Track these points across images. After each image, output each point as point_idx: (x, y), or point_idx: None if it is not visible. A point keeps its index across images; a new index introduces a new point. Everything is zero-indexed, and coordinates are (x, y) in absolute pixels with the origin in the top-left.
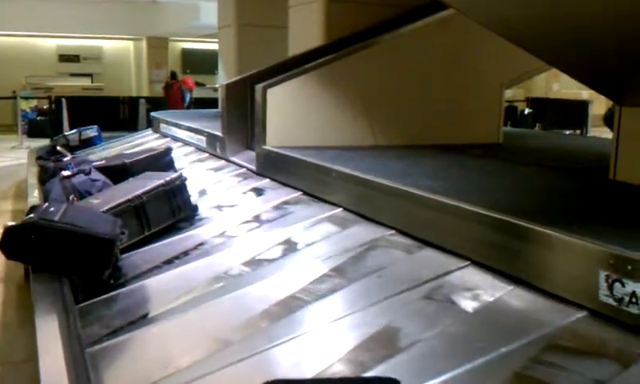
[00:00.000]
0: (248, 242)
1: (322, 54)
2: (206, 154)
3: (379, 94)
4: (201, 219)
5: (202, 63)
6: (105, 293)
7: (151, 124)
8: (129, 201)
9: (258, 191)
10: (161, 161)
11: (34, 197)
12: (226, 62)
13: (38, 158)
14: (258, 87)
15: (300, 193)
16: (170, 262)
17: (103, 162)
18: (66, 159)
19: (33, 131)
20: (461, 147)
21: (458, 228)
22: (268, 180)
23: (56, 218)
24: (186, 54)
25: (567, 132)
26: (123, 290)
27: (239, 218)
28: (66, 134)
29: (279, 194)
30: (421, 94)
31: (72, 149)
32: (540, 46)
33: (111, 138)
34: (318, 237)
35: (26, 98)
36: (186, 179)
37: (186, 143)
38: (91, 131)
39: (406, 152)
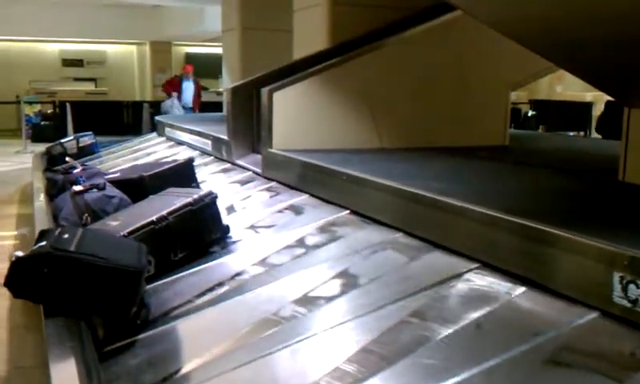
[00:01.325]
0: (295, 273)
1: (327, 58)
2: (211, 158)
3: (385, 97)
4: (234, 242)
5: (205, 67)
6: (131, 335)
7: (155, 128)
8: (153, 223)
9: (295, 209)
10: (182, 173)
11: (40, 201)
12: (230, 65)
13: (46, 170)
14: (264, 90)
15: (347, 212)
16: (203, 295)
17: (118, 174)
18: (76, 171)
19: (37, 136)
20: (467, 150)
21: (467, 230)
22: (306, 196)
23: (72, 247)
24: (190, 59)
25: (571, 134)
26: (152, 332)
27: (278, 242)
28: (62, 141)
29: (320, 213)
30: (426, 96)
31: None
32: (546, 47)
33: (115, 143)
34: (380, 266)
35: (30, 103)
36: (216, 197)
37: (191, 147)
38: (89, 138)
39: (413, 155)
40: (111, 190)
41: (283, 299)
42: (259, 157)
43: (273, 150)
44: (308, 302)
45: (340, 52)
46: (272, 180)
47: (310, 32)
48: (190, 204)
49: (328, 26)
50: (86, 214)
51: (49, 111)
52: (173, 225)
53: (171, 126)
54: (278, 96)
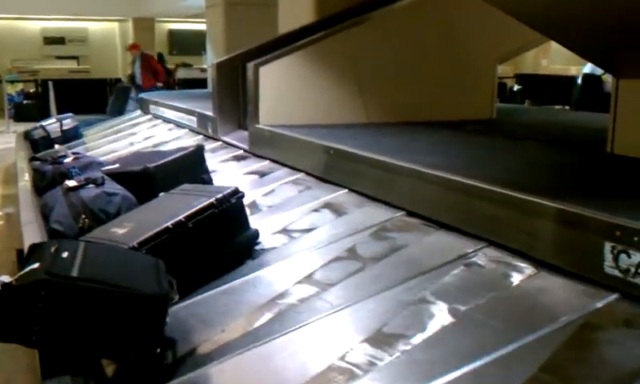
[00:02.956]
0: (358, 300)
1: (313, 31)
2: (199, 135)
3: (372, 71)
4: (264, 250)
5: (189, 44)
6: None
7: (140, 106)
8: (168, 230)
9: (331, 206)
10: (191, 163)
11: (25, 180)
12: (215, 41)
13: (32, 159)
14: (250, 65)
15: (403, 212)
16: (237, 323)
17: (117, 165)
18: (67, 161)
19: (19, 115)
20: (455, 123)
21: (458, 204)
22: (302, 174)
23: (75, 271)
24: (173, 35)
25: (556, 107)
26: (181, 380)
27: (323, 252)
28: (44, 124)
29: (369, 213)
30: (414, 70)
31: (52, 143)
32: (536, 17)
33: (99, 121)
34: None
35: (12, 82)
36: (243, 196)
37: (176, 124)
38: (71, 120)
39: (401, 129)
40: (111, 186)
41: (350, 336)
42: (245, 133)
43: (260, 126)
44: (381, 341)
45: (326, 25)
46: (260, 157)
47: (296, 6)
48: (212, 205)
49: None
50: (84, 216)
51: (31, 90)
52: (193, 231)
53: (156, 104)
54: (264, 70)
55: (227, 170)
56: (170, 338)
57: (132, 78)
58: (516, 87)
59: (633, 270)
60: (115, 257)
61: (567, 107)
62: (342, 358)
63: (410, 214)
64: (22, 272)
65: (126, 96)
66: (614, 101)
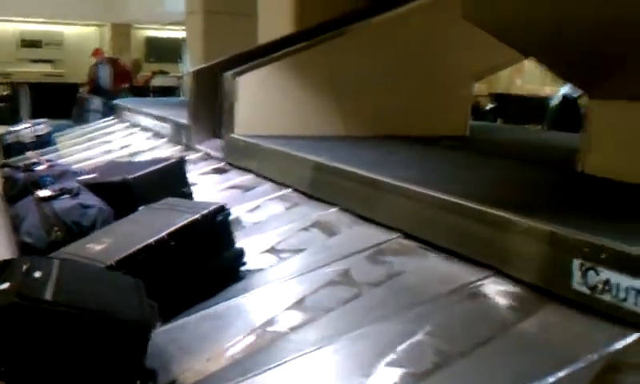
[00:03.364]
0: (353, 331)
1: (292, 43)
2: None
3: (349, 84)
4: (250, 271)
5: (166, 52)
6: None
7: (113, 112)
8: (149, 248)
9: (321, 225)
10: (172, 176)
11: None
12: (193, 49)
13: (2, 165)
14: (227, 74)
15: (398, 234)
16: (224, 354)
17: (94, 175)
18: (39, 168)
19: None
20: (429, 139)
21: (428, 215)
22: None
23: (47, 293)
24: (151, 42)
25: (529, 127)
26: None
27: (314, 276)
28: (16, 128)
29: (361, 234)
30: (391, 84)
31: (25, 148)
32: (515, 37)
33: (68, 127)
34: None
35: None
36: (229, 213)
37: (151, 131)
38: (45, 126)
39: (378, 143)
40: (87, 197)
41: (346, 372)
42: (219, 142)
43: (235, 136)
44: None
45: (305, 37)
46: (233, 166)
47: (275, 17)
48: (197, 223)
49: (293, 10)
50: (56, 228)
51: (4, 93)
52: (176, 250)
53: (129, 110)
54: (241, 80)
55: (207, 184)
56: (150, 369)
57: (93, 85)
58: (489, 106)
59: (600, 287)
60: (92, 277)
61: (540, 127)
62: None
63: (407, 236)
64: None
65: (83, 107)
66: (587, 120)
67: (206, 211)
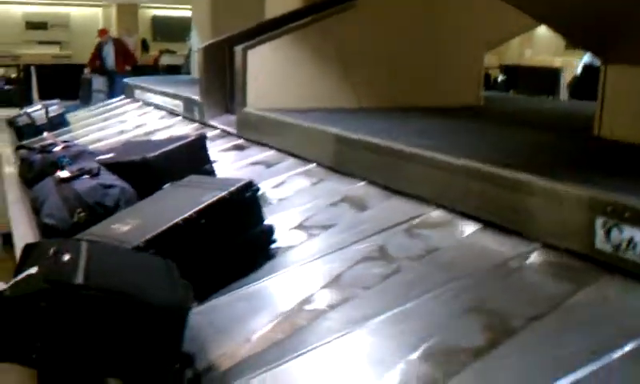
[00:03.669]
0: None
1: (301, 16)
2: (181, 118)
3: (360, 56)
4: (280, 248)
5: (173, 30)
6: None
7: (119, 92)
8: (178, 227)
9: (350, 200)
10: (193, 153)
11: (10, 168)
12: (201, 25)
13: (18, 147)
14: (238, 49)
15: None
16: (261, 333)
17: (112, 154)
18: (56, 149)
19: (1, 101)
20: (443, 110)
21: (454, 183)
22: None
23: (79, 278)
24: (157, 21)
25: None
26: None
27: (350, 252)
28: (28, 110)
29: (394, 208)
30: (402, 55)
31: (38, 130)
32: (526, 2)
33: (76, 108)
34: None
35: None
36: (258, 189)
37: (163, 109)
38: (58, 106)
39: (391, 114)
40: (107, 177)
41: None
42: (232, 117)
43: (247, 110)
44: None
45: (314, 11)
46: (245, 138)
47: None
48: (225, 200)
49: None
50: (79, 210)
51: (12, 75)
52: (205, 229)
53: (141, 89)
54: (252, 54)
55: (227, 161)
56: (188, 353)
57: (98, 65)
58: (500, 77)
59: (624, 245)
60: (123, 260)
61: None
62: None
63: (440, 206)
64: (18, 279)
65: (89, 88)
66: (602, 85)
67: (234, 188)
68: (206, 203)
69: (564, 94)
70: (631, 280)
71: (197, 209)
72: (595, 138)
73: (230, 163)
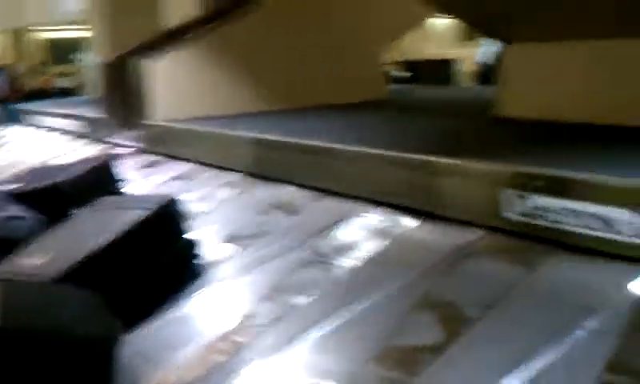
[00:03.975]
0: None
1: (200, 24)
2: (86, 140)
3: (264, 60)
4: (210, 263)
5: (69, 53)
6: None
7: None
8: (98, 254)
9: (280, 206)
10: (102, 176)
11: None
12: (99, 42)
13: None
14: (138, 62)
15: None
16: (194, 364)
17: (19, 184)
18: None
19: None
20: (351, 106)
21: (386, 176)
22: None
23: None
24: (54, 45)
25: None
26: None
27: (285, 260)
28: None
29: (326, 209)
30: (305, 56)
31: None
32: None
33: None
34: None
35: None
36: (180, 204)
37: (64, 131)
38: None
39: (304, 114)
40: (13, 208)
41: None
42: (142, 133)
43: (155, 123)
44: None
45: (213, 18)
46: (154, 153)
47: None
48: (148, 220)
49: None
50: None
51: None
52: (127, 253)
53: (36, 113)
54: (153, 66)
55: (144, 178)
56: None
57: None
58: (403, 73)
59: (531, 213)
60: (42, 295)
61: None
62: None
63: (374, 202)
64: None
65: None
66: (502, 66)
67: (156, 206)
68: (127, 226)
69: (465, 82)
70: (575, 255)
71: (118, 233)
72: (497, 118)
73: (146, 181)
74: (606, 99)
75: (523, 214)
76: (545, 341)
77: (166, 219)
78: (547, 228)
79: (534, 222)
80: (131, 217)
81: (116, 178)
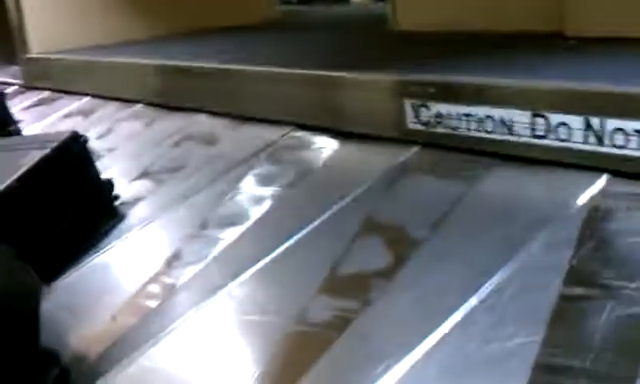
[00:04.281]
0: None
1: None
2: None
3: None
4: (126, 202)
5: None
6: None
7: None
8: None
9: (193, 137)
10: None
11: None
12: None
13: None
14: None
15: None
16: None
17: None
18: None
19: None
20: (243, 28)
21: (302, 96)
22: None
23: None
24: None
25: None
26: None
27: (210, 193)
28: None
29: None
30: None
31: None
32: None
33: None
34: None
35: None
36: (87, 139)
37: None
38: None
39: (193, 38)
40: None
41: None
42: (21, 68)
43: (37, 55)
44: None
45: None
46: (38, 89)
47: None
48: (49, 157)
49: None
50: None
51: None
52: (32, 196)
53: None
54: None
55: (36, 118)
56: (49, 349)
57: None
58: None
59: (433, 120)
60: None
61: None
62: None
63: (293, 125)
64: None
65: None
66: None
67: (57, 143)
68: (26, 167)
69: None
70: (506, 164)
71: (16, 175)
72: (391, 31)
73: (39, 121)
74: (501, 7)
75: (426, 124)
76: (498, 257)
77: (71, 155)
78: (452, 135)
79: (440, 130)
80: (30, 157)
81: (7, 117)
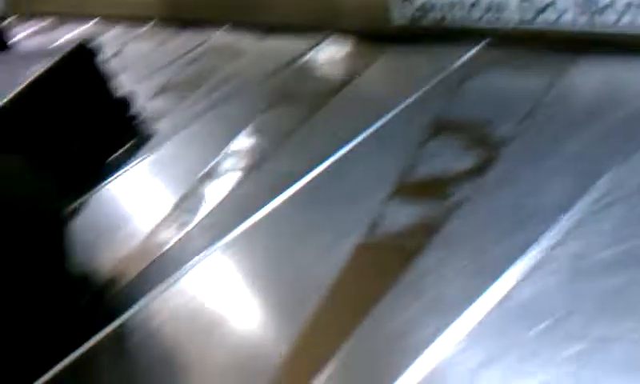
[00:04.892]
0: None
1: None
2: None
3: None
4: (148, 118)
5: None
6: None
7: None
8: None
9: (215, 50)
10: None
11: None
12: None
13: None
14: None
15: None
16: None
17: None
18: None
19: None
20: None
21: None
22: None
23: None
24: None
25: None
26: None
27: (242, 108)
28: None
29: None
30: None
31: None
32: None
33: None
34: None
35: None
36: (97, 50)
37: None
38: None
39: None
40: None
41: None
42: None
43: None
44: None
45: None
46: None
47: None
48: (57, 67)
49: None
50: None
51: None
52: (41, 108)
53: None
54: None
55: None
56: (79, 273)
57: None
58: None
59: (418, 14)
60: None
61: None
62: None
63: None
64: None
65: None
66: None
67: (63, 53)
68: (31, 77)
69: None
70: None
71: (22, 87)
72: None
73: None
74: None
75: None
76: (609, 154)
77: (80, 67)
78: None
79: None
80: (37, 67)
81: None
